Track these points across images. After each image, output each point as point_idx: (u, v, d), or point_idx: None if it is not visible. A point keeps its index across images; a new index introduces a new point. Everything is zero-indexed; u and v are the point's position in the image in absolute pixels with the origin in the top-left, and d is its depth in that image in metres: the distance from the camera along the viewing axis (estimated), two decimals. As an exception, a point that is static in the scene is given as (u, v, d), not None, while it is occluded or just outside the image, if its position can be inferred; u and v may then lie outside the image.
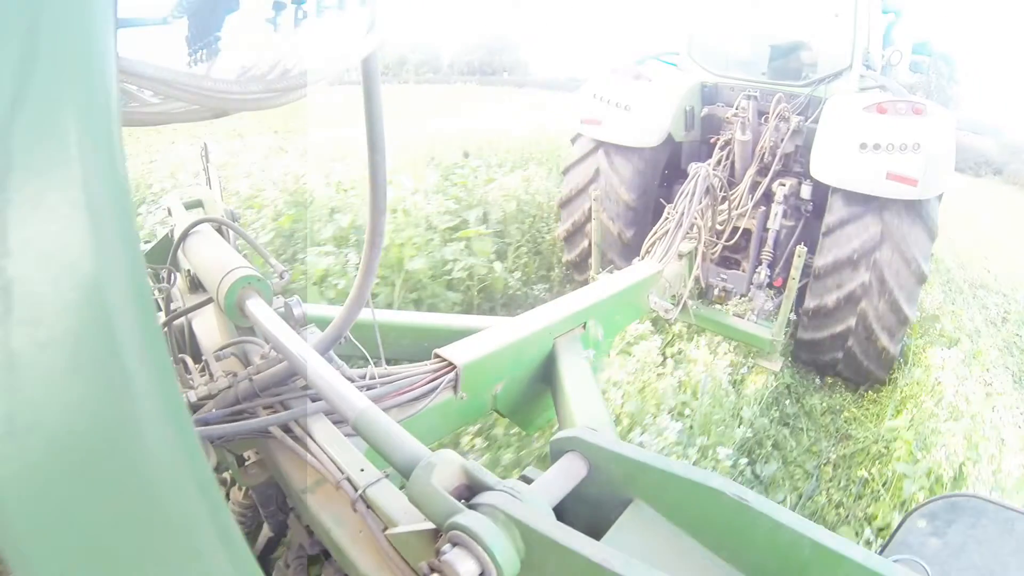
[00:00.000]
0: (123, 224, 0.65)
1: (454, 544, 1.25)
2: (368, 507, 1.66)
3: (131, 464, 0.68)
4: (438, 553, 1.26)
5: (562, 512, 1.56)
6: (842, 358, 5.97)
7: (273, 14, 1.66)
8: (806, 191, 6.22)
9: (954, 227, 15.13)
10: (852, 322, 5.63)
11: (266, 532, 2.58)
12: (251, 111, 1.54)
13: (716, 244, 5.60)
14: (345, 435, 1.96)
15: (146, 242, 3.39)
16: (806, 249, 5.03)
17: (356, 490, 1.69)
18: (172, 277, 2.61)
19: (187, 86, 1.26)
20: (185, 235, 2.50)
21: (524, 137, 14.51)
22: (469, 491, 1.42)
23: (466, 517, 1.27)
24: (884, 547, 2.02)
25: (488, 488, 1.39)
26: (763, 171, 6.16)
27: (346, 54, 1.63)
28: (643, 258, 4.66)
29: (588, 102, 6.69)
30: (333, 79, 1.65)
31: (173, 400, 0.73)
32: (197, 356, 2.46)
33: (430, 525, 1.39)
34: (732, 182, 6.04)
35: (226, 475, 2.53)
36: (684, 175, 5.09)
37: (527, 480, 1.64)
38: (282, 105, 1.56)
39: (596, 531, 1.49)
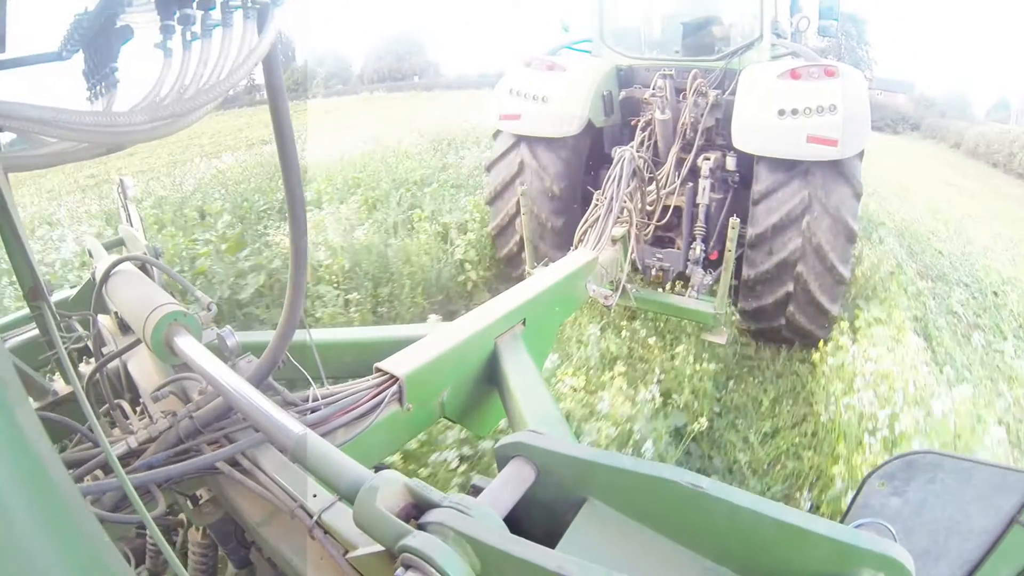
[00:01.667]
0: None
1: (407, 567, 1.23)
2: (326, 532, 1.63)
3: None
4: None
5: (516, 520, 1.54)
6: (785, 324, 6.06)
7: (162, 39, 1.61)
8: (731, 162, 6.30)
9: (889, 198, 14.65)
10: (791, 287, 5.71)
11: (231, 571, 2.51)
12: (144, 142, 1.50)
13: (648, 225, 5.65)
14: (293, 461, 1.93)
15: (72, 287, 3.29)
16: (739, 220, 5.07)
17: (311, 517, 1.66)
18: (95, 323, 2.53)
19: (70, 124, 1.21)
20: (107, 276, 2.42)
21: (371, 154, 13.82)
22: (416, 510, 1.39)
23: (416, 539, 1.25)
24: (846, 513, 2.04)
25: (435, 505, 1.37)
26: (686, 147, 6.21)
27: (243, 63, 1.59)
28: (576, 247, 4.68)
29: (505, 98, 6.65)
30: (230, 92, 1.61)
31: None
32: (137, 399, 2.39)
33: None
34: (657, 162, 6.07)
35: (181, 516, 2.47)
36: (608, 161, 5.11)
37: (477, 489, 1.62)
38: (177, 131, 1.52)
39: (553, 535, 1.48)
